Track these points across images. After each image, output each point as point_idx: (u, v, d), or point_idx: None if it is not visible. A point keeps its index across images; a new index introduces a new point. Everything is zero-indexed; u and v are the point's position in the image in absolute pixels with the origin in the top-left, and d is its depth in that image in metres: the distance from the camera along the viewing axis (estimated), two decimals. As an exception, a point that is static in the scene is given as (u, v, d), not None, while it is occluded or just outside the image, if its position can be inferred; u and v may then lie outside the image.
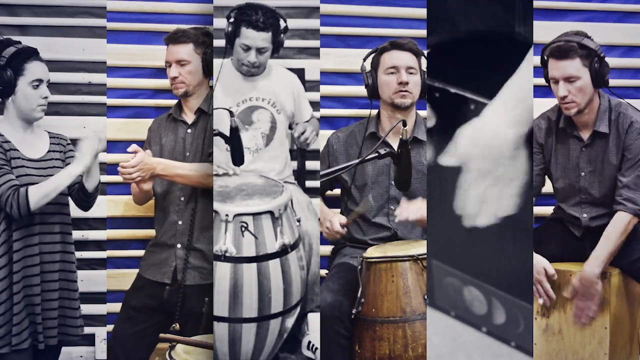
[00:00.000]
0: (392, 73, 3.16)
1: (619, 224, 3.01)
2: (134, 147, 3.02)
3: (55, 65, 3.27)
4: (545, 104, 3.28)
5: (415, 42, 3.19)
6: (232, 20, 3.07)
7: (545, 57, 3.08)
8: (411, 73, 3.14)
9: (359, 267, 2.93)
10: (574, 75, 3.02)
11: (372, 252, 2.98)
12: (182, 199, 3.14)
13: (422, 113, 3.25)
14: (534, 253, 3.07)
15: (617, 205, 3.03)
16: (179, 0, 3.49)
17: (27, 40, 2.98)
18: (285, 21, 3.12)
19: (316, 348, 2.94)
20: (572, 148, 3.16)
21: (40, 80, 2.87)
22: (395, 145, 2.76)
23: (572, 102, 3.04)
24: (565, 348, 3.10)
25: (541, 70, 3.12)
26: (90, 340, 3.40)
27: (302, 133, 3.15)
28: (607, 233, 3.02)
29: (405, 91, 3.14)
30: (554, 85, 3.07)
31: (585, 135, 3.13)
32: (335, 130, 3.36)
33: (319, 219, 3.12)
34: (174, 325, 2.99)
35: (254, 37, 3.08)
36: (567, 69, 3.02)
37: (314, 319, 2.99)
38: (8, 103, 2.87)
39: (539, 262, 3.05)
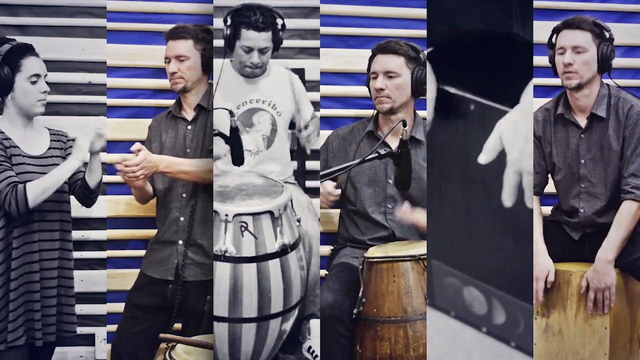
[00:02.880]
0: (374, 78, 3.17)
1: (629, 211, 3.01)
2: (137, 145, 3.02)
3: (55, 65, 3.28)
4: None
5: (407, 42, 3.17)
6: (229, 23, 3.07)
7: (555, 35, 3.10)
8: (391, 77, 3.14)
9: (360, 267, 2.93)
10: (582, 46, 3.05)
11: (374, 252, 2.98)
12: (184, 195, 3.14)
13: (422, 113, 3.25)
14: (547, 255, 3.08)
15: (625, 195, 3.02)
16: (179, 0, 3.50)
17: (27, 40, 2.98)
18: (282, 18, 3.11)
19: (316, 355, 2.95)
20: (570, 135, 3.15)
21: (37, 75, 2.87)
22: (393, 145, 2.76)
23: (575, 73, 3.05)
24: (565, 348, 3.10)
25: (542, 70, 3.12)
26: (90, 340, 3.40)
27: (306, 127, 3.16)
28: (618, 220, 3.02)
29: (382, 97, 3.14)
30: (559, 57, 3.08)
31: (583, 121, 3.13)
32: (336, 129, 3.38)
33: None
34: (172, 325, 2.99)
35: (256, 38, 3.08)
36: (577, 39, 3.05)
37: (315, 325, 2.99)
38: (7, 100, 2.88)
39: (547, 265, 3.06)
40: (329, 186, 3.13)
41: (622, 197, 3.03)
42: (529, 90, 2.36)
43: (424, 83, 3.11)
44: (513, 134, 2.36)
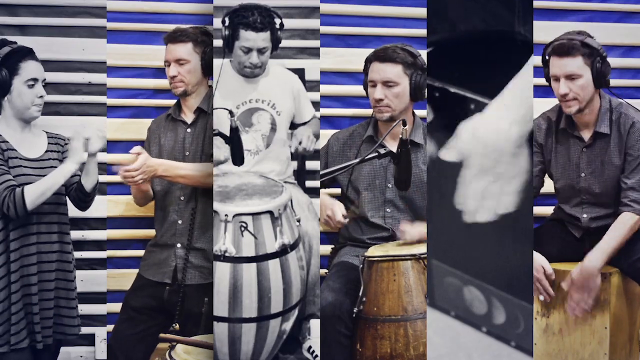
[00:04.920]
0: (372, 86, 3.14)
1: (626, 223, 3.00)
2: (137, 148, 3.00)
3: (55, 65, 3.28)
4: (546, 104, 3.28)
5: (404, 47, 3.13)
6: (228, 23, 3.06)
7: (547, 56, 3.07)
8: (390, 86, 3.11)
9: (361, 266, 2.93)
10: (576, 73, 3.01)
11: (374, 251, 2.98)
12: (182, 198, 3.14)
13: (422, 113, 3.25)
14: (533, 252, 3.07)
15: (624, 207, 3.01)
16: (179, 0, 3.50)
17: (27, 40, 2.99)
18: (280, 18, 3.11)
19: (316, 355, 2.95)
20: (572, 148, 3.15)
21: (35, 80, 2.88)
22: (393, 148, 2.76)
23: (573, 100, 3.03)
24: (565, 348, 3.09)
25: (542, 70, 3.11)
26: (90, 340, 3.40)
27: (300, 143, 3.14)
28: (613, 229, 3.00)
29: (382, 107, 3.12)
30: (554, 84, 3.06)
31: (586, 135, 3.12)
32: (336, 130, 3.37)
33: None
34: (173, 325, 2.99)
35: (254, 39, 3.07)
36: (569, 67, 3.01)
37: (315, 325, 2.99)
38: (4, 102, 2.88)
39: (537, 260, 3.04)
40: (338, 214, 3.05)
41: (621, 210, 3.03)
42: (513, 85, 2.35)
43: (422, 88, 3.09)
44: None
